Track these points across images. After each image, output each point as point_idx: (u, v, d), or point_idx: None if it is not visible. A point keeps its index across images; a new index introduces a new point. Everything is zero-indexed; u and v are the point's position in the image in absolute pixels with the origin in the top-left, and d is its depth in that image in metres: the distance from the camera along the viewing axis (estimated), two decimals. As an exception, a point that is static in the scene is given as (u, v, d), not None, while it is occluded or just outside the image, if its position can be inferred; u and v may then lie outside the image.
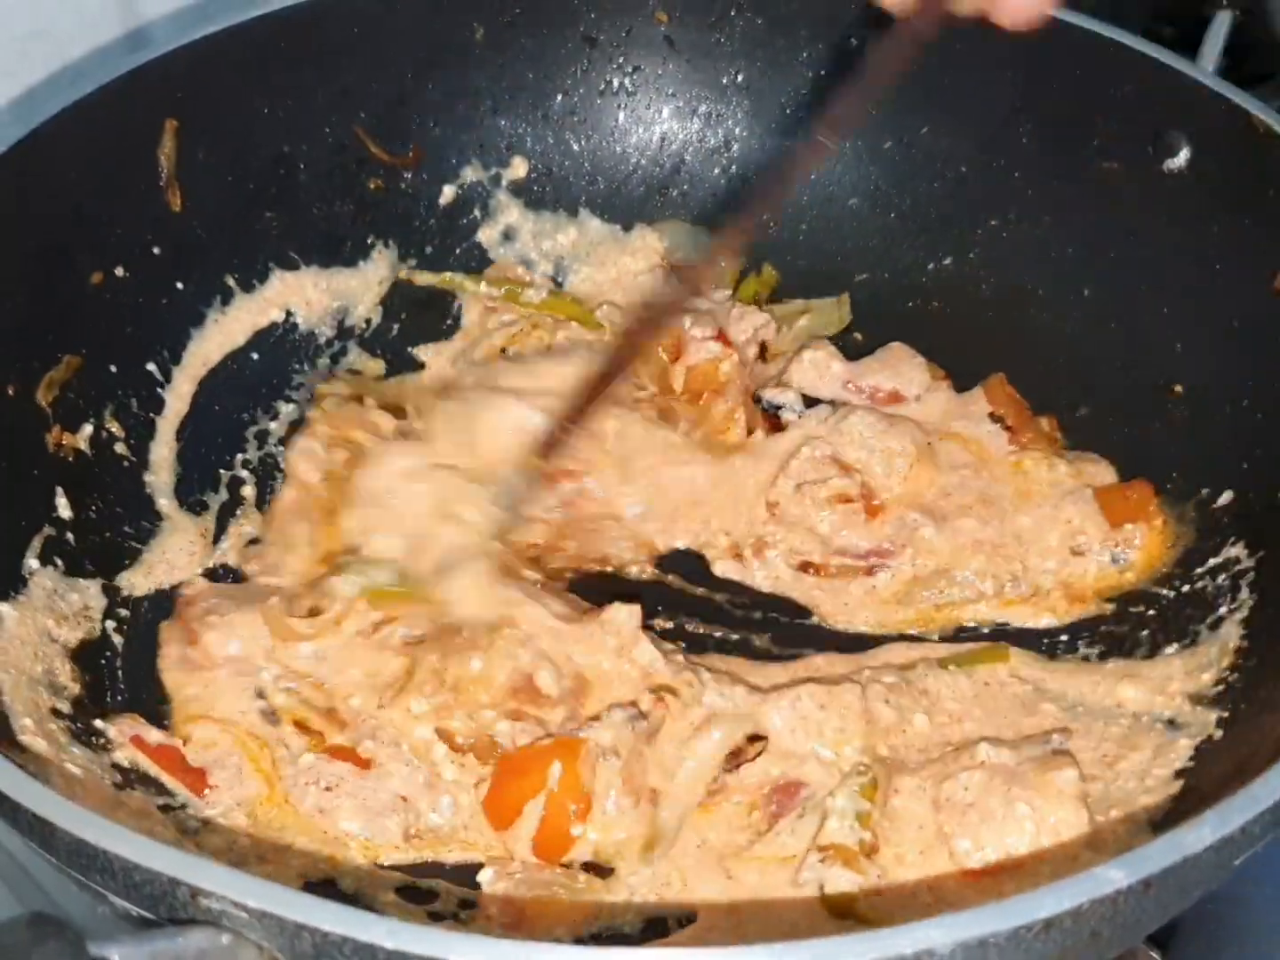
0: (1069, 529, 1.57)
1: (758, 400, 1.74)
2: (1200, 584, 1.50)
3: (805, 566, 1.58)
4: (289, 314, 1.77)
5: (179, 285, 1.67)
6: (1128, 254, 1.67)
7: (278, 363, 1.75)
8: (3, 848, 1.47)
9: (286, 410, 1.73)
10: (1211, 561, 1.50)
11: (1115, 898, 0.94)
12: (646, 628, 1.45)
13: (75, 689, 1.39)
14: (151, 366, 1.65)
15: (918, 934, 0.91)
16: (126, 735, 1.36)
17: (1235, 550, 1.48)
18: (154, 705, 1.43)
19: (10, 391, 1.47)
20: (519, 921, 1.25)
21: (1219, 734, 1.35)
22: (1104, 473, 1.63)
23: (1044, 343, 1.73)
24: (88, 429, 1.56)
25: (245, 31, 1.65)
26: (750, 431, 1.69)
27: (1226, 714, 1.36)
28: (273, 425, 1.71)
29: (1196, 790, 1.29)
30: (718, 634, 1.54)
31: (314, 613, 1.46)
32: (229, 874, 0.94)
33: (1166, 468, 1.59)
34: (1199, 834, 0.98)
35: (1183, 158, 1.60)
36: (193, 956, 0.93)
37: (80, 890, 1.04)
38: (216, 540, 1.61)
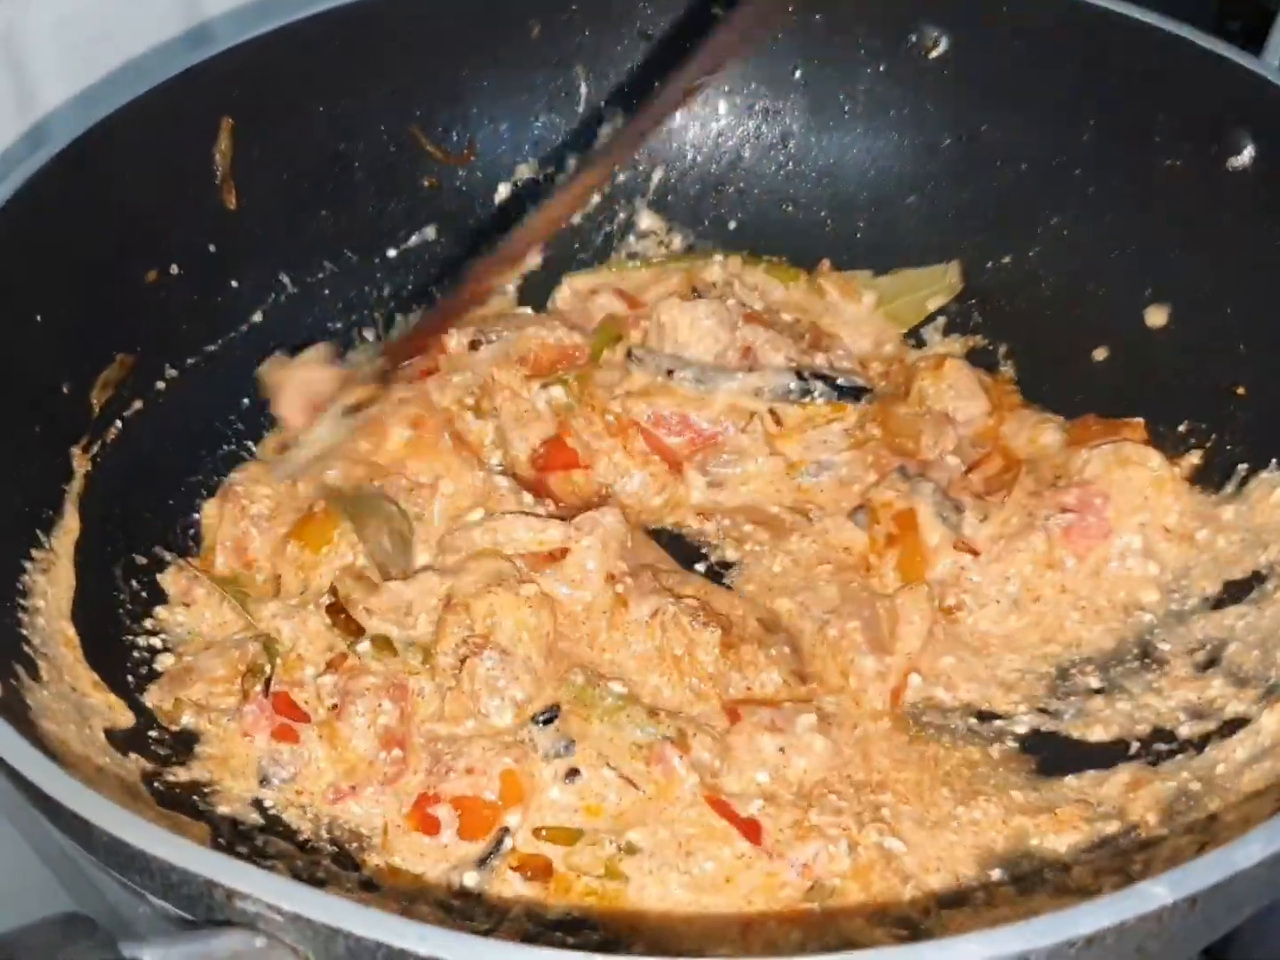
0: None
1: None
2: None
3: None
4: (345, 311, 1.78)
5: (233, 283, 1.68)
6: (1190, 253, 1.64)
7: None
8: (55, 844, 1.48)
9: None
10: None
11: (1160, 914, 0.93)
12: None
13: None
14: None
15: (956, 949, 0.90)
16: None
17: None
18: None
19: (65, 389, 1.48)
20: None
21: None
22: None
23: (1103, 342, 1.71)
24: (140, 428, 1.57)
25: (300, 30, 1.66)
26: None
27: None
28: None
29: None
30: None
31: None
32: (264, 876, 0.94)
33: (1228, 470, 1.56)
34: (1248, 850, 0.96)
35: (1247, 155, 1.57)
36: (227, 958, 0.93)
37: (120, 888, 1.04)
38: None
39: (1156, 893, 0.93)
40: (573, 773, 1.35)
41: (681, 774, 1.34)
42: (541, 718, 1.38)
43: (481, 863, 1.30)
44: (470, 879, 1.29)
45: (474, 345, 1.68)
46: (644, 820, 1.33)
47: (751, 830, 1.31)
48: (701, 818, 1.33)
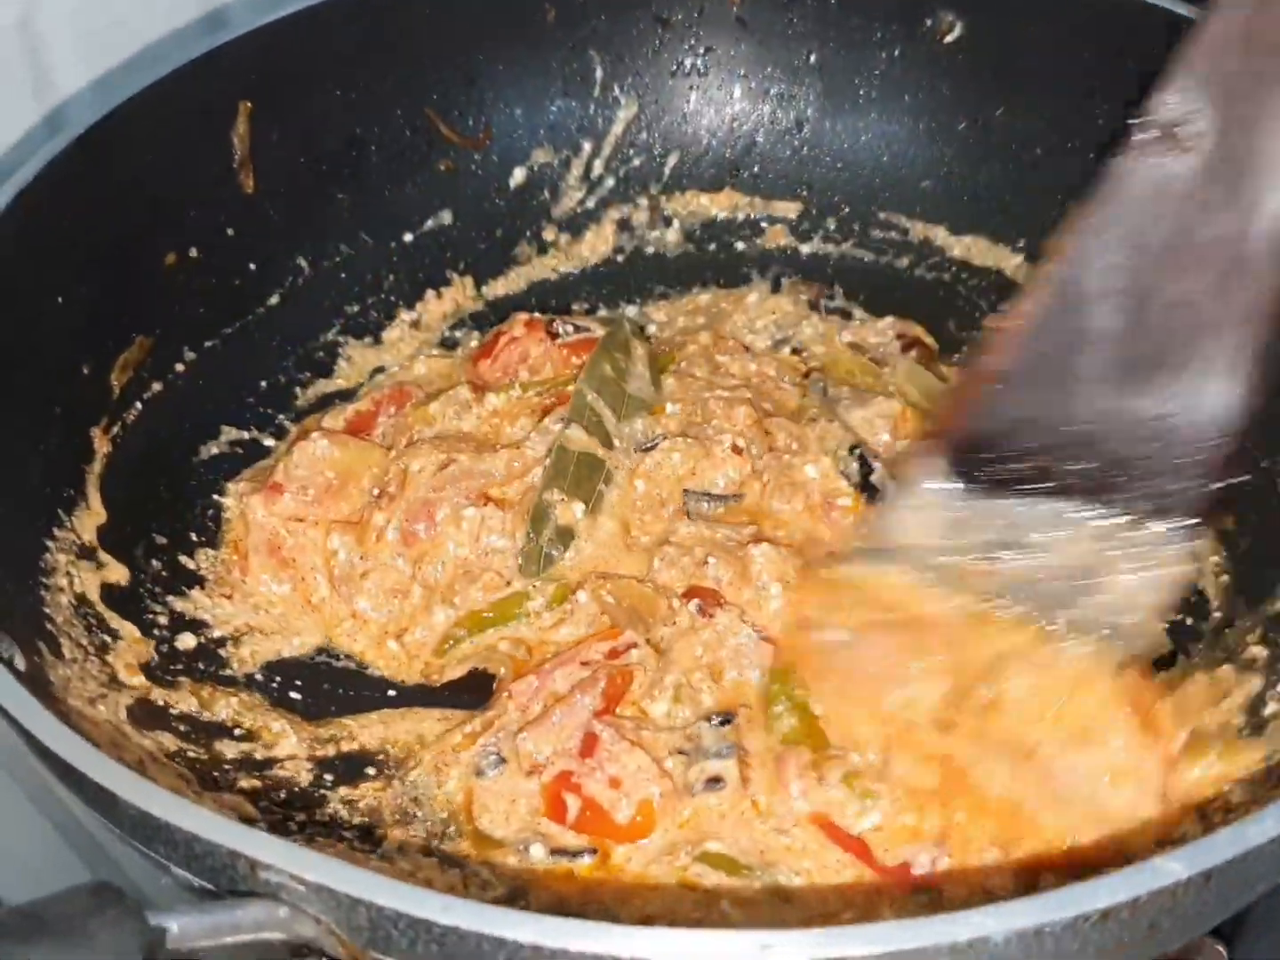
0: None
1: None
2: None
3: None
4: (364, 295, 1.79)
5: (251, 267, 1.69)
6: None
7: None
8: (74, 818, 1.50)
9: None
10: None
11: (1174, 890, 0.93)
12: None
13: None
14: (224, 348, 1.67)
15: (973, 921, 0.90)
16: None
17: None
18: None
19: (85, 371, 1.49)
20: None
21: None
22: None
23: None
24: (159, 411, 1.58)
25: (318, 13, 1.66)
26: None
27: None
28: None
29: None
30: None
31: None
32: (287, 847, 0.95)
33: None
34: (1261, 827, 0.96)
35: (1262, 140, 1.57)
36: (251, 928, 0.94)
37: (143, 860, 1.05)
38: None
39: (1172, 868, 0.93)
40: (715, 781, 1.29)
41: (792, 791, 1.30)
42: (718, 719, 1.35)
43: (558, 852, 1.28)
44: (536, 852, 1.28)
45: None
46: (722, 831, 1.29)
47: (860, 850, 1.27)
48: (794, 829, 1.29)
